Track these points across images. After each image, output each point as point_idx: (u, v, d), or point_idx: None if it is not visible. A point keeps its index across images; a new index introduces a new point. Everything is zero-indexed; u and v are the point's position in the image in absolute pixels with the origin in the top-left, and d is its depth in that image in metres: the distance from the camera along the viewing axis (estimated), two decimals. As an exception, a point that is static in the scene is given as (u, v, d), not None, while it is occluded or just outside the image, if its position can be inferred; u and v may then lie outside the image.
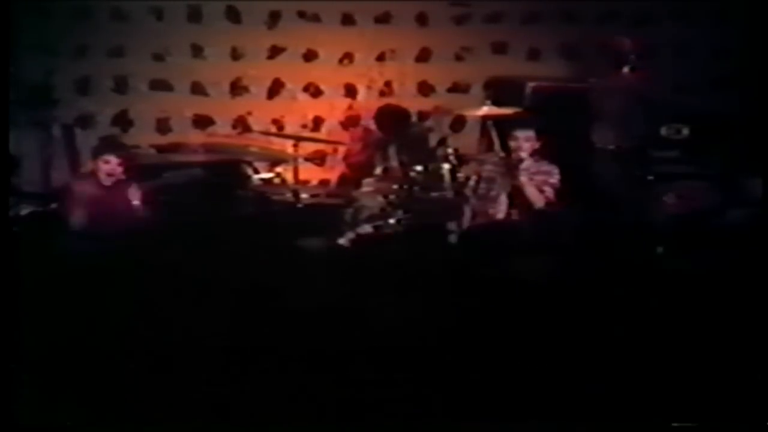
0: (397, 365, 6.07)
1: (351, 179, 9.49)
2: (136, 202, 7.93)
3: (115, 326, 6.41)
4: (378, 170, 9.10)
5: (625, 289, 7.12)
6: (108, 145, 8.72)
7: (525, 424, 5.52)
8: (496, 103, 9.29)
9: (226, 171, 8.94)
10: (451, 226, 8.34)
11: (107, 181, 7.94)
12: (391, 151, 9.21)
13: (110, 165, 7.96)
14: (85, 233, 7.62)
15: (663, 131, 8.98)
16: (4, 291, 5.62)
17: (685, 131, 8.94)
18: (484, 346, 6.37)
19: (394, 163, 9.11)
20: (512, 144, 8.14)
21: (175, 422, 5.47)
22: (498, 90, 9.94)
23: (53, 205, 8.19)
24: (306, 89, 10.27)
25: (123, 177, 7.97)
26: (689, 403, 5.68)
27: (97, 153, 8.21)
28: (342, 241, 8.47)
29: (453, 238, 8.27)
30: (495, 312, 6.80)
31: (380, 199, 8.79)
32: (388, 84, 10.21)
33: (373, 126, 9.78)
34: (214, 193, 8.57)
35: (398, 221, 8.55)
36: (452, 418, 5.59)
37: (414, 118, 9.98)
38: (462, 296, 7.10)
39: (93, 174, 8.04)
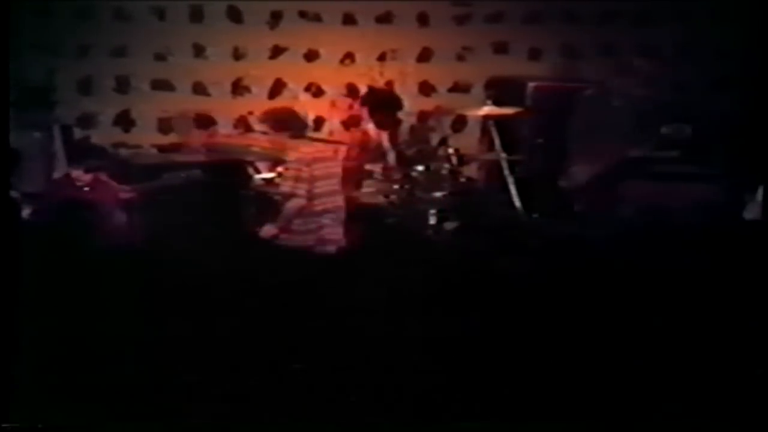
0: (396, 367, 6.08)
1: (352, 179, 9.47)
2: (120, 205, 7.95)
3: (115, 326, 6.42)
4: (378, 168, 9.07)
5: (626, 289, 7.12)
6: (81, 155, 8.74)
7: (525, 424, 5.53)
8: (497, 103, 9.32)
9: (227, 171, 8.95)
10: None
11: (81, 190, 7.99)
12: (385, 142, 9.12)
13: (79, 175, 8.02)
14: (84, 234, 7.64)
15: (663, 131, 8.99)
16: (3, 291, 5.63)
17: (686, 131, 8.94)
18: (482, 346, 6.38)
19: (391, 157, 9.04)
20: None
21: (175, 422, 5.48)
22: (499, 90, 9.93)
23: (53, 205, 8.21)
24: (307, 89, 10.29)
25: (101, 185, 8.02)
26: (688, 404, 5.68)
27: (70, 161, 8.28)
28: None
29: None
30: (493, 311, 6.81)
31: (381, 198, 8.80)
32: (389, 84, 10.20)
33: (372, 127, 9.73)
34: (215, 193, 8.57)
35: None
36: (451, 419, 5.60)
37: (404, 104, 9.88)
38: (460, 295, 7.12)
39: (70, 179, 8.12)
